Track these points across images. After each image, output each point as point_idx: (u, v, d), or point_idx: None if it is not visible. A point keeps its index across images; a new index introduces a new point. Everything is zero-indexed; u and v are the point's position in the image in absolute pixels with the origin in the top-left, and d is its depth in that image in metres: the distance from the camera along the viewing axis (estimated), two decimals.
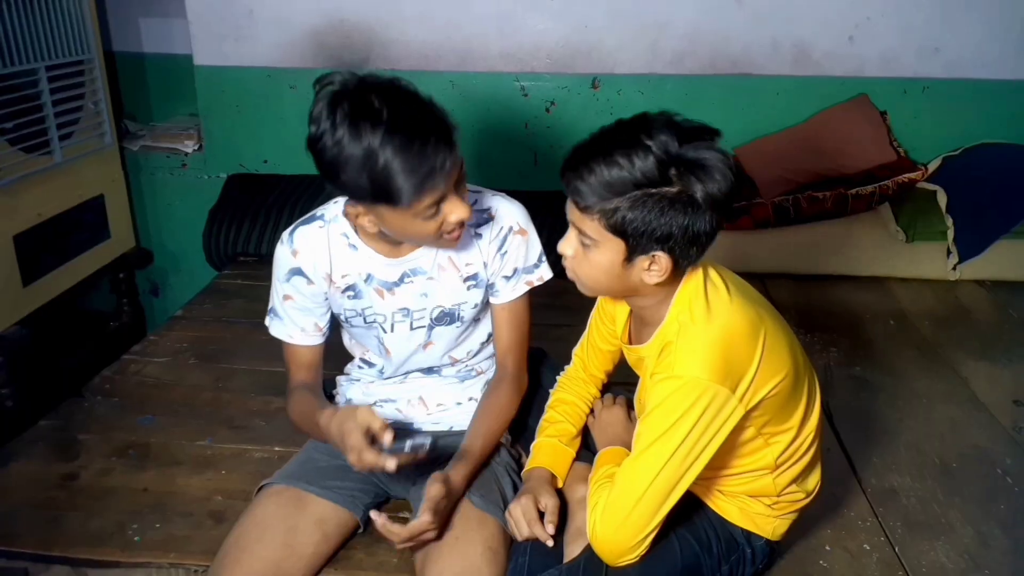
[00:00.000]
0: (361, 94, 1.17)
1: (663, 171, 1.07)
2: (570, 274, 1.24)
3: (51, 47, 2.53)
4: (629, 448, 1.29)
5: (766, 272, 2.81)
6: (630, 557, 1.19)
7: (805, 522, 1.59)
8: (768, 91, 2.97)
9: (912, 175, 2.82)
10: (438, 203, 1.23)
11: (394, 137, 1.15)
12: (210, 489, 1.68)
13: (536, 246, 1.50)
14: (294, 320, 1.48)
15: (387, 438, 1.22)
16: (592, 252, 1.16)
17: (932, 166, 2.91)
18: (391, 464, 1.21)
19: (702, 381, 1.12)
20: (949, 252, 2.75)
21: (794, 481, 1.32)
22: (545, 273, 1.52)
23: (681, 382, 1.13)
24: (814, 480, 1.37)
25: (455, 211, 1.26)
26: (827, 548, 1.54)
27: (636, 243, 1.12)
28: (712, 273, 1.22)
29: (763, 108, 2.99)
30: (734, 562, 1.33)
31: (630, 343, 1.37)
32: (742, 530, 1.33)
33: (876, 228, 2.80)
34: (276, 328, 1.50)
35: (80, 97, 2.72)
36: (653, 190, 1.08)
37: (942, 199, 2.76)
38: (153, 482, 1.70)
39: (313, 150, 1.20)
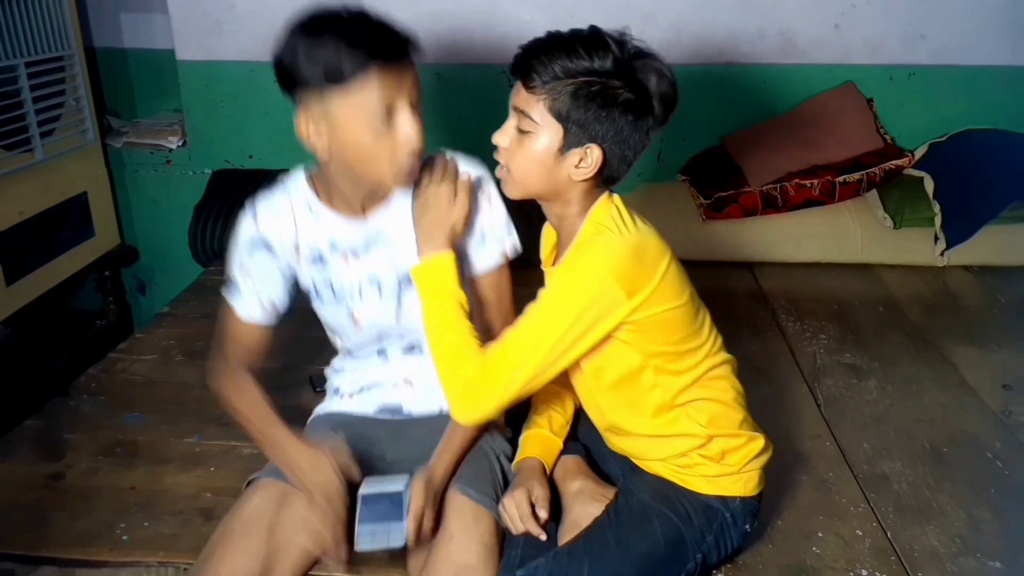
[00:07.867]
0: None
1: (617, 69, 1.18)
2: (501, 171, 1.27)
3: (30, 43, 2.50)
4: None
5: (754, 260, 2.82)
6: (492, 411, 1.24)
7: (796, 509, 1.59)
8: (754, 80, 2.97)
9: (899, 162, 2.82)
10: (389, 108, 1.24)
11: (347, 19, 1.21)
12: (199, 486, 1.66)
13: (501, 208, 1.46)
14: (249, 291, 1.45)
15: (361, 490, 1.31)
16: (528, 140, 1.22)
17: (919, 153, 2.90)
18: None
19: (606, 280, 1.17)
20: (937, 238, 2.75)
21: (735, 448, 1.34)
22: (516, 242, 1.49)
23: (582, 273, 1.20)
24: (754, 442, 1.36)
25: (408, 126, 1.26)
26: (819, 534, 1.54)
27: (574, 132, 1.19)
28: (619, 200, 1.28)
29: (750, 97, 2.98)
30: (717, 530, 1.33)
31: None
32: (715, 497, 1.34)
33: (864, 215, 2.80)
34: (233, 298, 1.47)
35: (61, 94, 2.68)
36: (602, 79, 1.17)
37: (929, 185, 2.76)
38: (141, 480, 1.68)
39: (276, 67, 1.25)
